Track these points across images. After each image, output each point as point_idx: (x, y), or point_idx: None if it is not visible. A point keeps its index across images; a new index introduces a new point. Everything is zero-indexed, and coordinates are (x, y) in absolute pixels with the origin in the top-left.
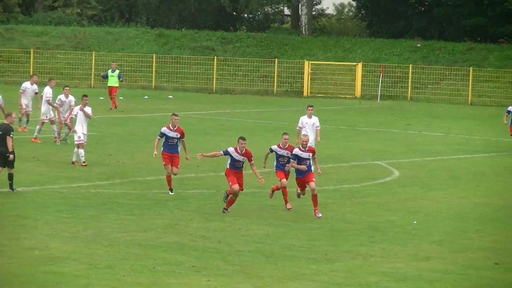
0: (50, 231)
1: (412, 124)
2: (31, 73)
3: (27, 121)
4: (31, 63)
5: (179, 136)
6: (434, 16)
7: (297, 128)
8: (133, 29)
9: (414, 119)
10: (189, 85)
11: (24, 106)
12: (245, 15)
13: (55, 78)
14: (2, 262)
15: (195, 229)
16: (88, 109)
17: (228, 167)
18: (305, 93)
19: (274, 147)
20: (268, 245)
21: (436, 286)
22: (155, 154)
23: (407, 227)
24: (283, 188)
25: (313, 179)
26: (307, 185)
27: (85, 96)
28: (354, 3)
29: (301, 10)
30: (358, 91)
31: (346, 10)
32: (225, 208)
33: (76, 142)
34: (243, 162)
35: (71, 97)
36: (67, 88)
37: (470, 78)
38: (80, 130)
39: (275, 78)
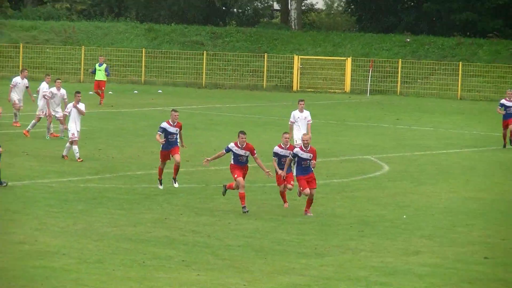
0: (39, 225)
1: (402, 118)
2: (20, 68)
3: (14, 114)
4: (21, 57)
5: (178, 131)
6: (424, 10)
7: (289, 123)
8: (122, 23)
9: (403, 113)
10: (178, 80)
11: (17, 102)
12: (235, 10)
13: (44, 72)
14: None
15: (184, 224)
16: (81, 106)
17: (232, 162)
18: (294, 88)
19: (276, 148)
20: (257, 239)
21: (425, 280)
22: (163, 141)
23: (396, 222)
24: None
25: (315, 186)
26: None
27: (78, 92)
28: None
29: (291, 5)
30: (347, 86)
31: (335, 5)
32: (243, 207)
33: (70, 139)
34: (247, 157)
35: (63, 90)
36: (59, 80)
37: (460, 72)
38: (74, 127)
39: (265, 72)
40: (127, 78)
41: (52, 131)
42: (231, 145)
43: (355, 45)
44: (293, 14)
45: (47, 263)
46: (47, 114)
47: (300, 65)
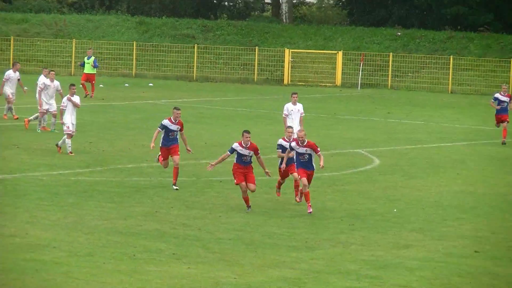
0: (30, 218)
1: (393, 112)
2: (11, 61)
3: (9, 108)
4: (11, 50)
5: (179, 128)
6: (415, 4)
7: (283, 115)
8: (113, 16)
9: (394, 107)
10: (169, 73)
11: (10, 95)
12: (226, 3)
13: (35, 65)
14: None
15: (175, 217)
16: (76, 98)
17: (235, 161)
18: (285, 81)
19: (280, 140)
20: (248, 232)
21: (416, 274)
22: (153, 146)
23: (387, 215)
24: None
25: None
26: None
27: (73, 85)
28: None
29: None
30: (338, 80)
31: None
32: (248, 206)
33: (65, 132)
34: (251, 157)
35: (56, 82)
36: (53, 72)
37: (451, 66)
38: (69, 120)
39: (256, 66)
40: (118, 71)
41: (43, 125)
42: (235, 145)
43: (346, 38)
44: (284, 7)
45: (38, 256)
46: (39, 107)
47: (291, 58)
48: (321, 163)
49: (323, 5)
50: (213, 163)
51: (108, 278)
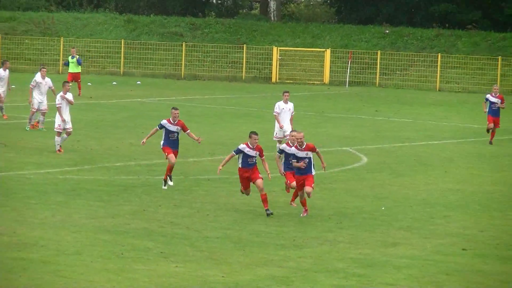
0: (18, 217)
1: (381, 110)
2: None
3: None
4: None
5: (180, 129)
6: (403, 2)
7: (274, 113)
8: (101, 15)
9: (382, 105)
10: (157, 71)
11: (1, 94)
12: (214, 1)
13: (23, 63)
14: None
15: (163, 215)
16: (69, 95)
17: (240, 166)
18: (273, 79)
19: (284, 146)
20: (236, 231)
21: (403, 272)
22: (143, 142)
23: (375, 213)
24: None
25: (312, 186)
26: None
27: (67, 82)
28: None
29: None
30: (326, 77)
31: None
32: (266, 209)
33: (55, 130)
34: (255, 157)
35: (47, 79)
36: (44, 69)
37: (439, 64)
38: (67, 117)
39: (244, 64)
40: (106, 70)
41: (33, 123)
42: (242, 146)
43: (334, 36)
44: (272, 5)
45: (26, 255)
46: (31, 105)
47: (279, 56)
48: (323, 164)
49: (311, 3)
50: (220, 167)
51: (96, 277)
